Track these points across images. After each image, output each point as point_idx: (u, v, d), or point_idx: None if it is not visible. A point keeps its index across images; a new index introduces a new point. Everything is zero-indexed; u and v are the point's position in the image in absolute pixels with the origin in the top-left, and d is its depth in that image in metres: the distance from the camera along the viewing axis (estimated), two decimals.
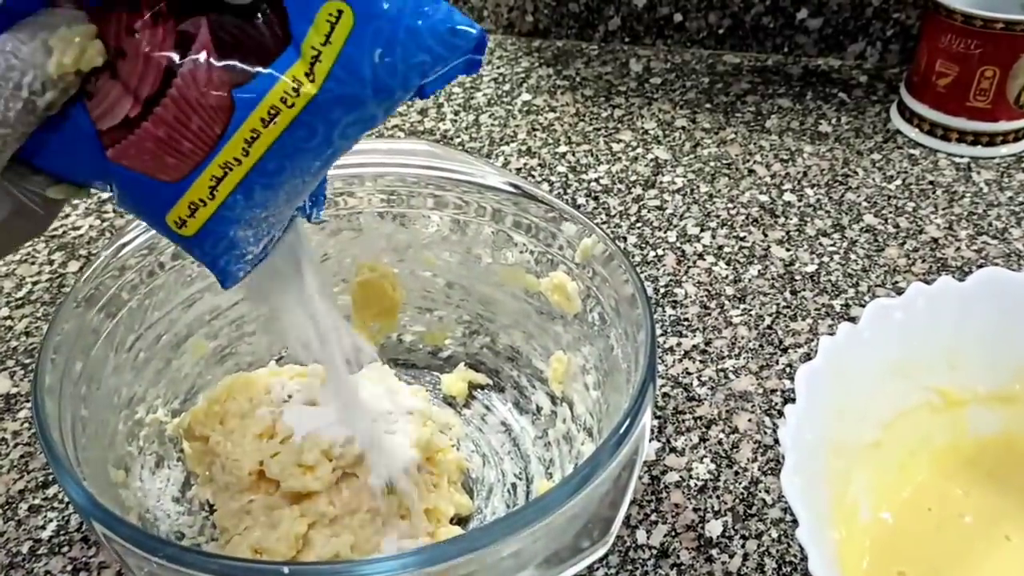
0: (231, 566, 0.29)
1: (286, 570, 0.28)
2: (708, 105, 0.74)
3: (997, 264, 0.56)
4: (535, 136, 0.70)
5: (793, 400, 0.35)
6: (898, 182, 0.65)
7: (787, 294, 0.55)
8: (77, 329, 0.37)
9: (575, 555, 0.33)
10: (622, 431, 0.32)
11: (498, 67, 0.81)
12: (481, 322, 0.49)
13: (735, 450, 0.45)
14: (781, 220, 0.61)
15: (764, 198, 0.63)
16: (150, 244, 0.41)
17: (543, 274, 0.45)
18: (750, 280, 0.56)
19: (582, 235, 0.42)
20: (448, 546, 0.30)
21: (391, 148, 0.46)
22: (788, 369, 0.49)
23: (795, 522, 0.30)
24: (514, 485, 0.44)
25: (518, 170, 0.66)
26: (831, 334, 0.37)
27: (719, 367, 0.50)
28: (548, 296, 0.45)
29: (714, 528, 0.42)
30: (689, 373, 0.49)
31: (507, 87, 0.77)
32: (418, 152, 0.46)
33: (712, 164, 0.67)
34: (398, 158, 0.45)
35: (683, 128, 0.71)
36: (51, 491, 0.44)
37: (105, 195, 0.61)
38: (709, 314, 0.53)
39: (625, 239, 0.59)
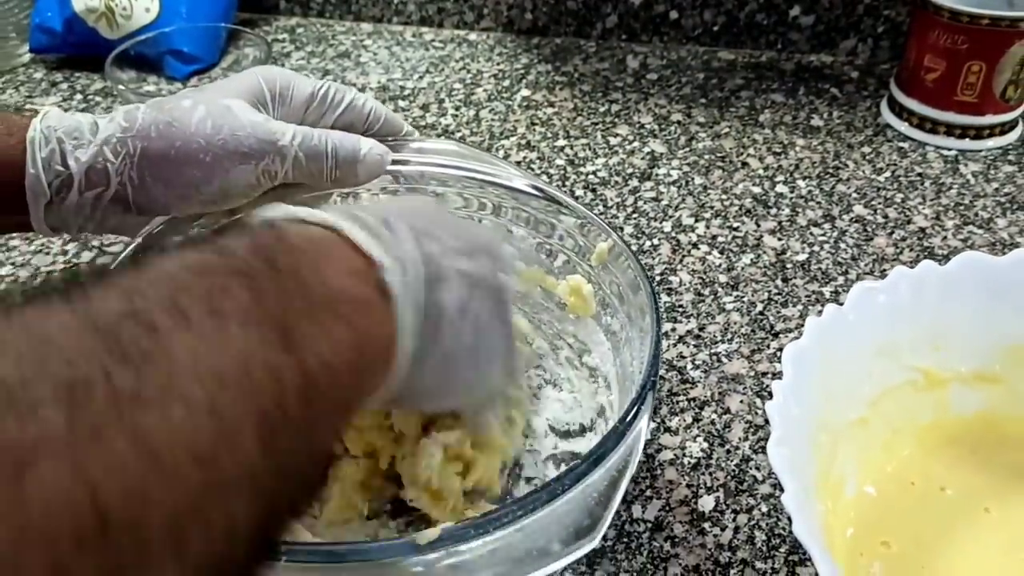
0: None
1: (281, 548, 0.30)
2: (703, 100, 0.76)
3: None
4: (534, 130, 0.72)
5: (782, 379, 0.36)
6: (887, 174, 0.66)
7: (778, 281, 0.56)
8: None
9: (561, 551, 0.34)
10: (611, 445, 0.33)
11: (498, 63, 0.82)
12: None
13: (727, 430, 0.47)
14: (773, 211, 0.63)
15: (757, 190, 0.65)
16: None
17: (543, 264, 0.47)
18: (743, 268, 0.58)
19: (596, 237, 0.44)
20: (430, 543, 0.31)
21: (419, 147, 0.47)
22: (779, 353, 0.51)
23: (783, 495, 0.32)
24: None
25: (518, 163, 0.68)
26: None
27: (712, 351, 0.51)
28: (564, 299, 0.46)
29: (707, 503, 0.43)
30: (683, 357, 0.51)
31: (507, 83, 0.79)
32: (447, 152, 0.47)
33: (707, 157, 0.69)
34: (427, 157, 0.47)
35: (678, 122, 0.73)
36: None
37: None
38: (703, 301, 0.55)
39: (622, 229, 0.61)
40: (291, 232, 0.27)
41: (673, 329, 0.53)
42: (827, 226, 0.61)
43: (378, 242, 0.28)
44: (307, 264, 0.26)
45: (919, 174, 0.66)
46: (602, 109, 0.75)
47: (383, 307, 0.28)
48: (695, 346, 0.52)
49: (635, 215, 0.63)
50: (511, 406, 0.42)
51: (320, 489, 0.26)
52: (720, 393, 0.49)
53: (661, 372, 0.50)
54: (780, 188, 0.65)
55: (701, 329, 0.53)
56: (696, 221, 0.62)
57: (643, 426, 0.35)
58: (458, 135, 0.72)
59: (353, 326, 0.26)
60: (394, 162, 0.45)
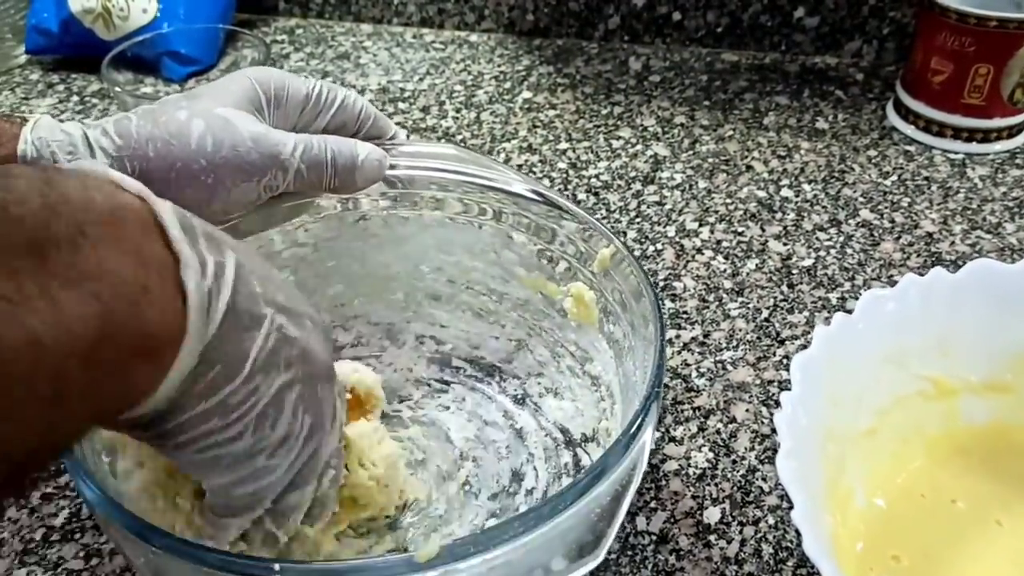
0: (226, 560, 0.30)
1: (276, 567, 0.29)
2: (707, 102, 0.75)
3: (991, 258, 0.57)
4: (536, 133, 0.71)
5: (789, 388, 0.36)
6: (894, 178, 0.66)
7: (784, 287, 0.56)
8: None
9: (564, 569, 0.33)
10: (615, 459, 0.32)
11: (499, 65, 0.82)
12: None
13: (733, 439, 0.46)
14: (778, 215, 0.62)
15: (762, 194, 0.64)
16: None
17: (545, 270, 0.46)
18: (748, 274, 0.57)
19: (598, 243, 0.43)
20: (428, 560, 0.29)
21: (417, 151, 0.46)
22: (785, 360, 0.50)
23: (791, 508, 0.31)
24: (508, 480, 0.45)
25: (519, 166, 0.67)
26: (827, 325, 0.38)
27: (717, 359, 0.51)
28: (567, 307, 0.45)
29: (712, 515, 0.42)
30: (688, 364, 0.50)
31: (508, 85, 0.78)
32: (446, 156, 0.46)
33: (710, 160, 0.68)
34: (426, 161, 0.46)
35: (682, 125, 0.72)
36: (63, 480, 0.45)
37: None
38: (707, 307, 0.54)
39: (625, 234, 0.60)
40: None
41: (677, 336, 0.52)
42: (833, 231, 0.60)
43: (190, 238, 0.26)
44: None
45: (926, 178, 0.65)
46: (604, 111, 0.74)
47: (165, 294, 0.25)
48: (700, 353, 0.51)
49: (638, 219, 0.62)
50: (282, 518, 0.33)
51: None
52: (725, 402, 0.48)
53: (665, 380, 0.49)
54: (785, 192, 0.64)
55: (706, 336, 0.52)
56: (700, 226, 0.61)
57: (647, 439, 0.34)
58: (459, 138, 0.71)
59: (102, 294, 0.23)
60: (392, 166, 0.45)
